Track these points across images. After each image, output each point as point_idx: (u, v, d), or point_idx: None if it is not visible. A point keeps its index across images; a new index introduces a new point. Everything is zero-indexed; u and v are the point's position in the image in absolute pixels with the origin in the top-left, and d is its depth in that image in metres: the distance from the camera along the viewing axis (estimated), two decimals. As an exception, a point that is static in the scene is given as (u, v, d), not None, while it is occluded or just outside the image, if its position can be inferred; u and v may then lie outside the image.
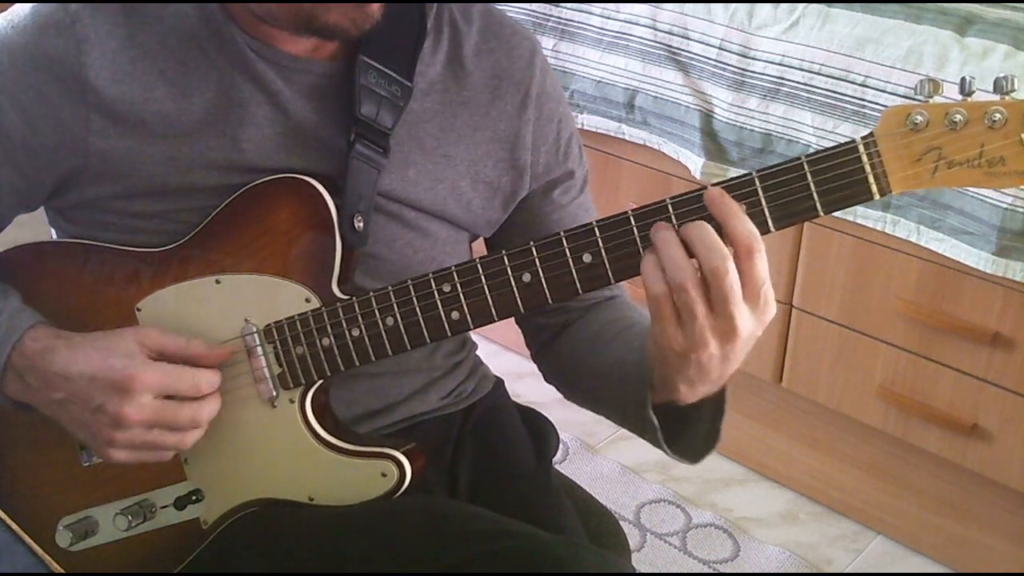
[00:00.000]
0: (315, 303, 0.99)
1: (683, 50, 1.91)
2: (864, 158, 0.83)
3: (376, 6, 0.95)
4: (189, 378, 0.97)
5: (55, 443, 1.06)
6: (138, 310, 1.03)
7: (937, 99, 0.82)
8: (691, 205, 0.87)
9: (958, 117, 0.81)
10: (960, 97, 0.81)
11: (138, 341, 0.97)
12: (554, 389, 1.19)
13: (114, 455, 0.98)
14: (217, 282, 1.01)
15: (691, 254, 0.84)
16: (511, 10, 2.13)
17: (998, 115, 0.79)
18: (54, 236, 1.12)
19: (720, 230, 0.83)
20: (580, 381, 1.14)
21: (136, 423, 0.95)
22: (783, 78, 1.79)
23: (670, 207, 0.87)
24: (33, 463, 1.08)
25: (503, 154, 1.11)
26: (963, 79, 0.81)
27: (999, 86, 0.80)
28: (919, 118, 0.81)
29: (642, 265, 0.86)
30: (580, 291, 0.91)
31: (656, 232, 0.85)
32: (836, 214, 0.91)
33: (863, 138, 0.83)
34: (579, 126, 2.08)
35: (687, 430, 0.98)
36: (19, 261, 1.07)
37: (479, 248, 1.14)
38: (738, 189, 0.86)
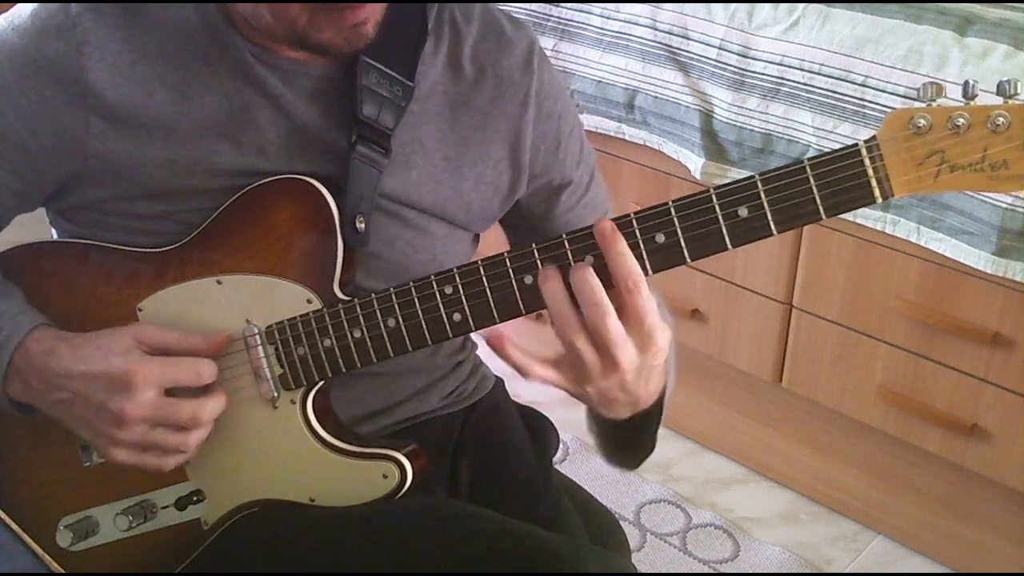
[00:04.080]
0: (316, 304, 0.99)
1: (683, 50, 1.91)
2: (867, 162, 0.83)
3: (371, 24, 0.95)
4: (190, 366, 0.97)
5: (55, 443, 1.06)
6: (139, 310, 1.03)
7: (940, 102, 0.82)
8: (693, 208, 0.87)
9: (961, 121, 0.80)
10: (963, 101, 0.81)
11: (135, 337, 0.97)
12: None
13: (117, 456, 0.97)
14: (218, 283, 1.01)
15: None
16: (511, 10, 2.13)
17: (1001, 119, 0.79)
18: (55, 236, 1.12)
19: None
20: None
21: (138, 420, 0.95)
22: (783, 78, 1.78)
23: (672, 209, 0.87)
24: (33, 463, 1.08)
25: (504, 153, 1.11)
26: (966, 83, 0.81)
27: (1002, 90, 0.79)
28: (922, 122, 0.81)
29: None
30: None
31: (544, 284, 0.90)
32: (837, 215, 0.92)
33: (866, 142, 0.83)
34: (579, 126, 2.08)
35: (633, 442, 1.03)
36: (20, 261, 1.07)
37: (485, 247, 1.14)
38: (740, 192, 0.86)
